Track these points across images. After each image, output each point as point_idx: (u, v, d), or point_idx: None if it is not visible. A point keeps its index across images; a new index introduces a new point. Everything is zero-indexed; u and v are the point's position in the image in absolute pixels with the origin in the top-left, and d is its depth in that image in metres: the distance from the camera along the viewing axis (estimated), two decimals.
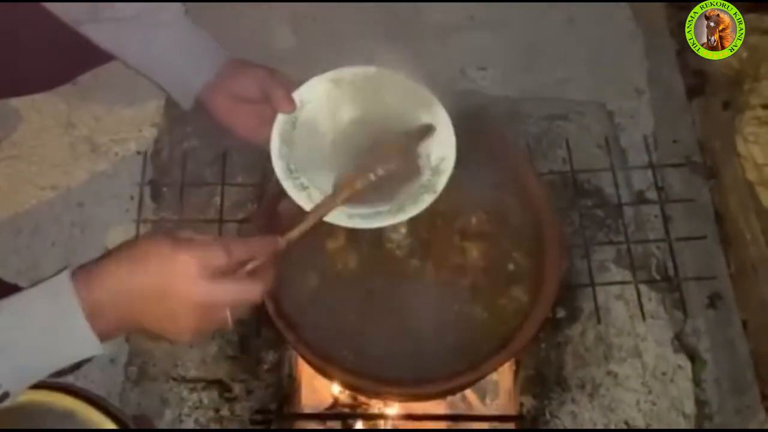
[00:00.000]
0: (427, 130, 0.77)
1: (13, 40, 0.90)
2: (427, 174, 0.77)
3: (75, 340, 0.57)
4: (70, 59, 1.01)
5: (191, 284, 0.58)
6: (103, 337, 0.58)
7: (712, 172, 1.09)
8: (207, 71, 0.83)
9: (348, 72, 0.80)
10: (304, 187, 0.76)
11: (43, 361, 0.58)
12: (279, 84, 0.78)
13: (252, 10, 1.23)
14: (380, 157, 0.74)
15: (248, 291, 0.62)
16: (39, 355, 0.58)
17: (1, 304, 0.58)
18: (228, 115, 0.84)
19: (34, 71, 1.00)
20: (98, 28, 0.85)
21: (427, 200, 0.75)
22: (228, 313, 0.61)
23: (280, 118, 0.77)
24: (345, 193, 0.72)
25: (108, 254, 0.60)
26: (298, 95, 0.78)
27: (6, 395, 0.57)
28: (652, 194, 1.06)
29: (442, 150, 0.77)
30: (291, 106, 0.77)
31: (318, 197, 0.74)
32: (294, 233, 0.68)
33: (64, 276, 0.58)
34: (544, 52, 1.18)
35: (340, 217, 0.75)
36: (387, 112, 0.79)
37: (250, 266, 0.62)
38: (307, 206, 0.73)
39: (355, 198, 0.73)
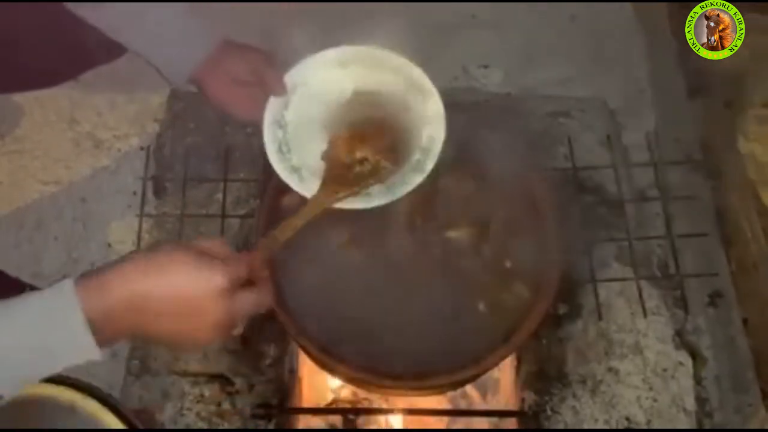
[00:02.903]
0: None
1: (16, 36, 0.90)
2: (416, 154, 0.76)
3: (72, 345, 0.55)
4: (72, 56, 1.01)
5: (216, 302, 0.57)
6: (107, 342, 0.56)
7: (714, 170, 1.09)
8: (200, 50, 0.83)
9: (339, 52, 0.80)
10: (295, 169, 0.76)
11: (37, 365, 0.55)
12: (272, 66, 0.79)
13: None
14: (372, 137, 0.76)
15: (263, 302, 0.62)
16: (34, 360, 0.55)
17: None
18: (222, 97, 0.85)
19: (38, 68, 1.00)
20: (95, 6, 0.84)
21: (415, 180, 0.74)
22: (239, 324, 0.61)
23: (273, 101, 0.78)
24: (331, 195, 0.72)
25: (122, 259, 0.56)
26: (290, 78, 0.78)
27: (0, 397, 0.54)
28: (653, 192, 1.06)
29: (431, 129, 0.77)
30: (282, 89, 0.78)
31: (309, 178, 0.75)
32: (284, 233, 0.68)
33: (68, 281, 0.55)
34: (546, 49, 1.18)
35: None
36: (379, 91, 0.80)
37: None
38: (299, 188, 0.74)
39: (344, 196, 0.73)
